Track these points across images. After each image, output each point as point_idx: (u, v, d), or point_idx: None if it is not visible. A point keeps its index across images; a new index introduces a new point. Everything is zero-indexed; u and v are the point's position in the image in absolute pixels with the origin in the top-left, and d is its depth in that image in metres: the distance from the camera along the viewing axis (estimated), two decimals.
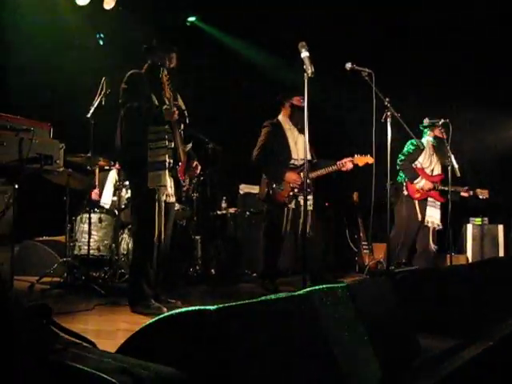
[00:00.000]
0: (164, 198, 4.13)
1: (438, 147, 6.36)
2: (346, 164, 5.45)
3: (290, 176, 5.43)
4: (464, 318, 3.27)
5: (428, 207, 6.32)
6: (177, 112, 4.08)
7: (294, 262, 7.01)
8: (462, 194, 6.24)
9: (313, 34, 6.56)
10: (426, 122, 6.12)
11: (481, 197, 6.29)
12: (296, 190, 5.44)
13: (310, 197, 5.52)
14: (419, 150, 6.28)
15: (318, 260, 5.64)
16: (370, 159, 5.39)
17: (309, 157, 5.59)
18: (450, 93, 7.34)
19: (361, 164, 5.46)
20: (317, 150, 5.70)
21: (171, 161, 4.16)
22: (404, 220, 6.19)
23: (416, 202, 6.25)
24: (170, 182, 4.18)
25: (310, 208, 5.48)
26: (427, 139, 6.37)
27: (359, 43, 7.42)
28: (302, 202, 5.41)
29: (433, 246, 6.32)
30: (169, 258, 4.46)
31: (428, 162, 6.32)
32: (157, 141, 4.07)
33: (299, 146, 5.54)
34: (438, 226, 6.35)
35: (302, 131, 5.58)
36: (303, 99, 5.55)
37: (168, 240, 4.35)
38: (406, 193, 6.25)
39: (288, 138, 5.57)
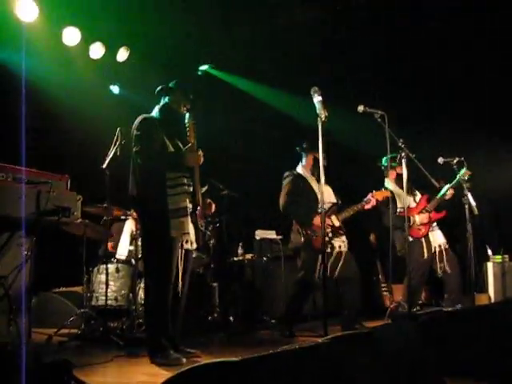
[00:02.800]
0: (187, 245, 4.08)
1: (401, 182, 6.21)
2: (369, 201, 5.58)
3: (318, 220, 5.37)
4: (492, 360, 3.18)
5: (429, 233, 6.14)
6: (202, 156, 4.07)
7: (313, 307, 6.93)
8: (448, 196, 6.02)
9: (324, 75, 6.71)
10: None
11: (464, 177, 5.93)
12: (330, 235, 5.45)
13: (343, 238, 5.59)
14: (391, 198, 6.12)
15: (356, 305, 5.57)
16: (387, 193, 5.65)
17: (334, 200, 5.64)
18: (463, 130, 7.34)
19: (380, 198, 5.61)
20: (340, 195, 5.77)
21: (190, 206, 4.09)
22: (417, 262, 6.01)
23: (423, 240, 6.11)
24: (191, 229, 4.11)
25: (344, 249, 5.53)
26: (390, 180, 6.20)
27: (371, 83, 7.48)
28: (336, 245, 5.49)
29: (444, 269, 6.12)
30: (186, 307, 4.39)
31: (406, 199, 6.16)
32: (175, 187, 4.01)
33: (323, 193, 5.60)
34: (446, 244, 6.16)
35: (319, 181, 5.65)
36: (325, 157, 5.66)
37: (186, 288, 4.26)
38: (410, 239, 6.04)
39: (313, 186, 5.60)
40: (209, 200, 4.43)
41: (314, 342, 1.88)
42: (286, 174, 5.76)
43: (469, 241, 5.65)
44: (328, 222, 5.45)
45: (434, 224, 6.21)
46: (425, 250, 6.05)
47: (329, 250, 5.42)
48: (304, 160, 5.77)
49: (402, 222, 5.82)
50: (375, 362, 2.09)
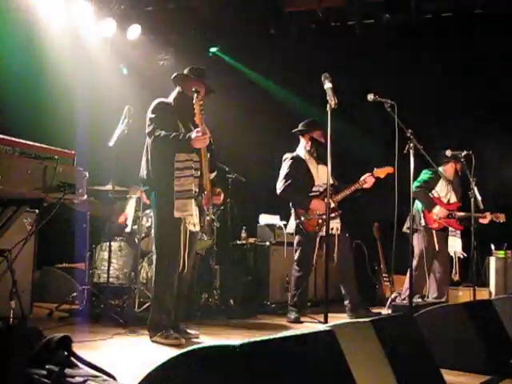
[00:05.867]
0: (189, 227, 4.11)
1: (455, 180, 6.31)
2: (367, 180, 5.52)
3: (315, 203, 5.52)
4: (491, 354, 3.18)
5: (450, 237, 6.21)
6: (208, 137, 4.08)
7: (314, 292, 6.97)
8: (481, 220, 6.08)
9: (334, 64, 6.66)
10: (449, 153, 6.03)
11: (497, 221, 6.14)
12: (324, 217, 5.42)
13: (337, 220, 5.56)
14: (436, 178, 6.19)
15: (354, 289, 5.64)
16: (390, 169, 5.40)
17: (331, 181, 5.58)
18: (472, 124, 7.28)
19: (382, 175, 5.52)
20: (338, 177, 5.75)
21: (197, 189, 4.13)
22: (423, 251, 6.04)
23: (434, 232, 6.14)
24: (195, 211, 4.13)
25: (337, 232, 5.52)
26: (446, 169, 6.28)
27: (380, 74, 7.43)
28: (332, 228, 5.44)
29: (457, 276, 6.20)
30: (188, 288, 4.43)
31: (445, 191, 6.23)
32: (183, 169, 4.06)
33: (320, 174, 5.65)
34: (462, 254, 6.22)
35: (319, 161, 5.65)
36: (323, 135, 5.62)
37: (190, 270, 4.30)
38: (423, 223, 6.10)
39: (310, 168, 5.64)
40: (219, 189, 4.45)
41: (315, 329, 1.88)
42: (285, 156, 5.82)
43: (472, 235, 5.64)
44: (323, 204, 5.41)
45: (458, 232, 6.26)
46: (435, 243, 6.07)
47: (323, 233, 5.41)
48: (302, 141, 5.81)
49: (428, 202, 6.10)
50: (374, 351, 2.09)
